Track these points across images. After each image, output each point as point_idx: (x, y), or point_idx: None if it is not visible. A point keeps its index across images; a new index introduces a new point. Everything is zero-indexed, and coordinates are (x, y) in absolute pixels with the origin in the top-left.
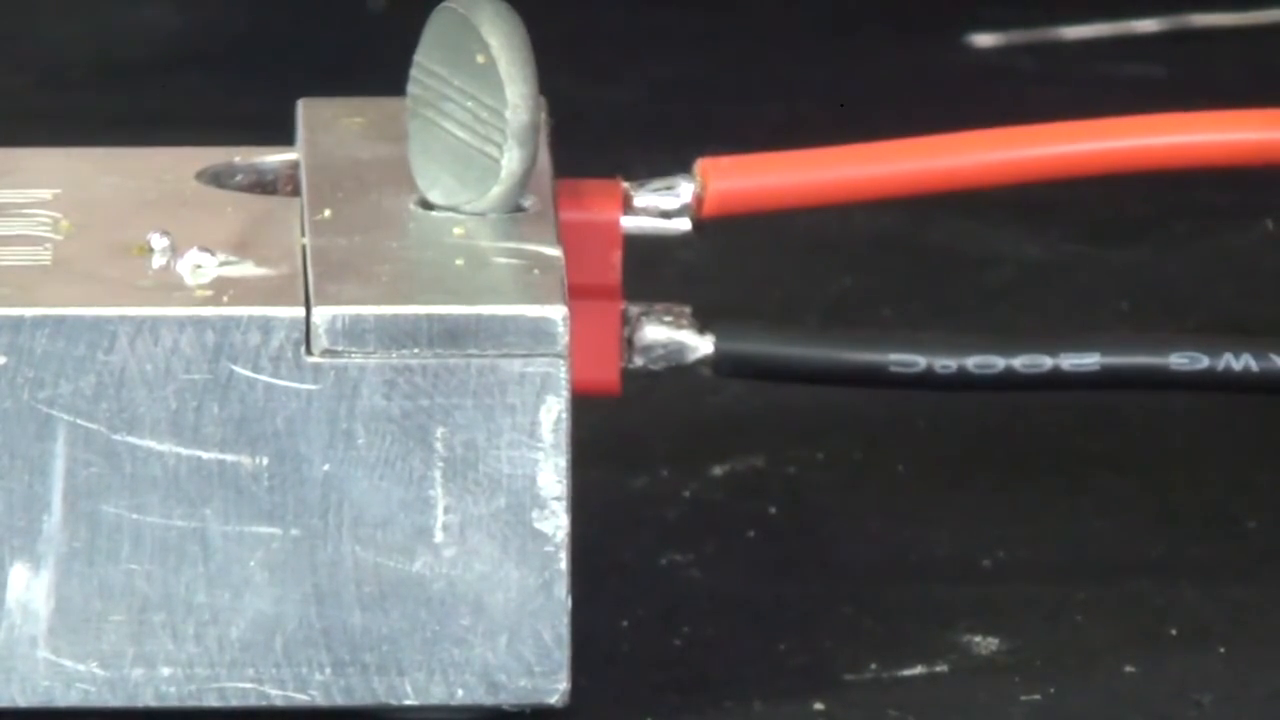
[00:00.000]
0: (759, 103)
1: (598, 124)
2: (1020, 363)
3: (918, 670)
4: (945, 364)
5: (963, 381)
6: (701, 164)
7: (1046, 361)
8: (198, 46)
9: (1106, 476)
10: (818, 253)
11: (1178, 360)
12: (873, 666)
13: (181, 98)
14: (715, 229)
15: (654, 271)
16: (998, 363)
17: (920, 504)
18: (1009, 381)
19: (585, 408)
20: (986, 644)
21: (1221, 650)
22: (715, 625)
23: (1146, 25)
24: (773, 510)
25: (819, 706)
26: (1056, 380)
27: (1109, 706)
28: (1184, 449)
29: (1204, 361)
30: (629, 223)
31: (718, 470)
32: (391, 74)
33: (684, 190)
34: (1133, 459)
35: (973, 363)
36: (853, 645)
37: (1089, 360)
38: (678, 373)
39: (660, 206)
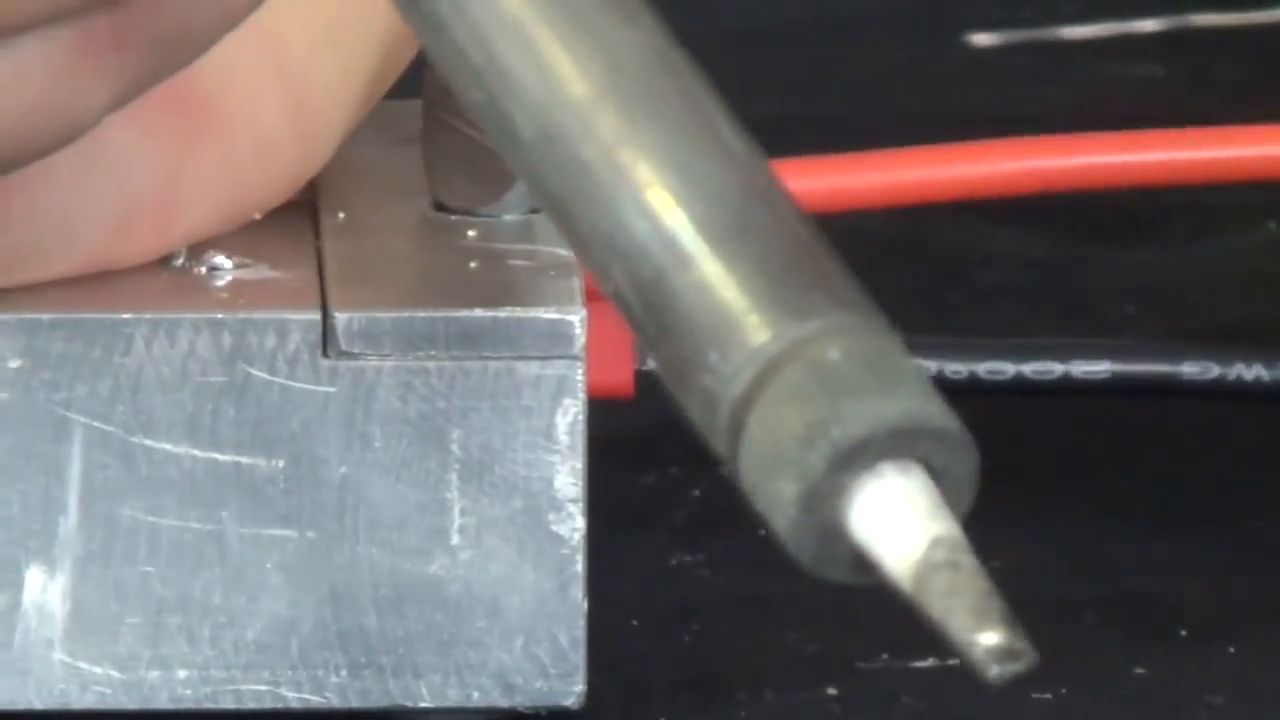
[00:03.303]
0: (758, 103)
1: None
2: (1031, 369)
3: (930, 662)
4: (956, 369)
5: (973, 387)
6: None
7: (1057, 368)
8: None
9: (1112, 477)
10: None
11: (1189, 369)
12: (884, 656)
13: None
14: None
15: None
16: (1008, 369)
17: None
18: (1019, 388)
19: (593, 404)
20: None
21: (1232, 651)
22: (726, 621)
23: (1146, 25)
24: None
25: (832, 691)
26: (1067, 387)
27: (1119, 707)
28: (1189, 449)
29: (1215, 370)
30: None
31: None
32: (400, 75)
33: None
34: (1137, 459)
35: (984, 369)
36: (864, 637)
37: (1100, 368)
38: None
39: None
